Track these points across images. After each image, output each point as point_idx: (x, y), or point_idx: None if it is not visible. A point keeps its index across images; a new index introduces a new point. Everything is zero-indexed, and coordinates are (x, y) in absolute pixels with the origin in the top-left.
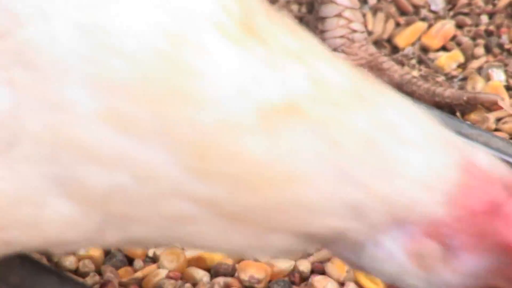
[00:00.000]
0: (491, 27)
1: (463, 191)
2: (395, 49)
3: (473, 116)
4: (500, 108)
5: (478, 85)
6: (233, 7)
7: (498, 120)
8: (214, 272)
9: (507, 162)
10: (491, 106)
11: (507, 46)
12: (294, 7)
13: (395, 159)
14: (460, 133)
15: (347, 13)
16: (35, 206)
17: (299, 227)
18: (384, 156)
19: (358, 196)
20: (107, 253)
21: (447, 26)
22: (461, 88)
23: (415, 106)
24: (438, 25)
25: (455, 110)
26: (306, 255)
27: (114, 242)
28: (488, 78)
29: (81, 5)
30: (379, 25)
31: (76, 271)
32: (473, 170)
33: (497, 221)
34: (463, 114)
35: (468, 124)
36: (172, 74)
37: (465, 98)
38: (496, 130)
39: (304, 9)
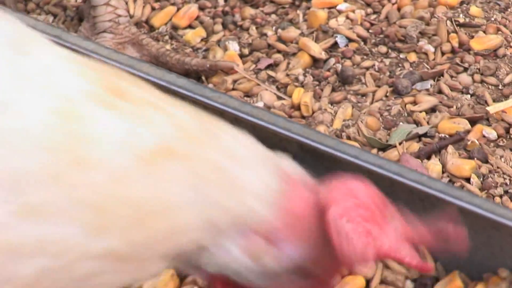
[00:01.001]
0: (227, 8)
1: (282, 196)
2: (152, 28)
3: (215, 79)
4: (235, 72)
5: (218, 54)
6: (90, 74)
7: (235, 81)
8: None
9: (241, 118)
10: (229, 71)
11: (239, 23)
12: None
13: (235, 177)
14: (203, 96)
15: (113, 2)
16: None
17: (171, 248)
18: (228, 176)
19: (213, 212)
20: None
21: (192, 9)
22: (205, 57)
23: (242, 133)
24: (185, 8)
25: (201, 75)
26: None
27: None
28: (225, 49)
29: None
30: (139, 10)
31: None
32: (285, 177)
33: (306, 215)
34: (207, 78)
35: (209, 88)
36: (64, 145)
37: (208, 65)
38: (233, 89)
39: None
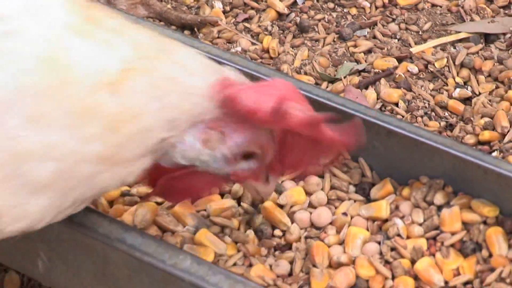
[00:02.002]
0: None
1: (225, 95)
2: None
3: (204, 30)
4: (219, 24)
5: (206, 11)
6: (73, 7)
7: (219, 31)
8: None
9: (222, 63)
10: (215, 24)
11: None
12: None
13: (188, 85)
14: (192, 46)
15: None
16: (20, 206)
17: (146, 147)
18: (182, 85)
19: (174, 114)
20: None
21: None
22: (197, 14)
23: (191, 48)
24: None
25: (194, 27)
26: None
27: (70, 207)
28: (212, 7)
29: None
30: None
31: None
32: (227, 81)
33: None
34: (198, 29)
35: (198, 40)
36: (59, 74)
37: (199, 20)
38: (218, 38)
39: None
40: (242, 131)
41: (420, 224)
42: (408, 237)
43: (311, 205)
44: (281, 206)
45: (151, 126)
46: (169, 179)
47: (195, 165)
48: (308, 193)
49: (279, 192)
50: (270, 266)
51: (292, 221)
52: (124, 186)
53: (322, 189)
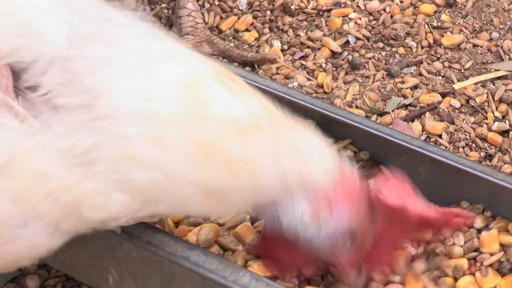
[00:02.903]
0: (272, 17)
1: (339, 175)
2: (220, 31)
3: (264, 67)
4: (278, 62)
5: (266, 49)
6: (215, 66)
7: (278, 68)
8: None
9: (279, 96)
10: (274, 61)
11: (281, 27)
12: (165, 11)
13: (307, 156)
14: (253, 80)
15: (193, 13)
16: (105, 197)
17: (253, 201)
18: (304, 157)
19: (288, 178)
20: None
21: (248, 18)
22: (257, 52)
23: (309, 128)
24: (243, 17)
25: (254, 64)
26: None
27: (144, 216)
28: (271, 46)
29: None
30: (211, 18)
31: None
32: (342, 165)
33: (355, 193)
34: (258, 66)
35: (258, 75)
36: (194, 106)
37: (259, 57)
38: (277, 74)
39: (170, 11)
40: (347, 209)
41: (461, 246)
42: (450, 258)
43: None
44: None
45: (264, 181)
46: (273, 247)
47: (298, 235)
48: None
49: None
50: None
51: None
52: None
53: None
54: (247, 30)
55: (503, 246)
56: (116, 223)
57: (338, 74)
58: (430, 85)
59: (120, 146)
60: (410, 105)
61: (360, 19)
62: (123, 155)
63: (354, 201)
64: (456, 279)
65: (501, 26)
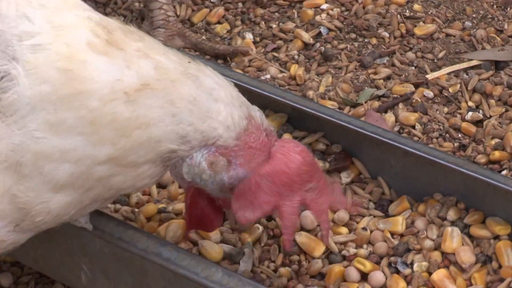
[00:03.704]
0: (244, 9)
1: (246, 133)
2: (192, 24)
3: (236, 59)
4: (250, 54)
5: (238, 42)
6: (99, 31)
7: (250, 60)
8: None
9: (250, 90)
10: (246, 53)
11: (253, 19)
12: (136, 4)
13: (211, 109)
14: (224, 74)
15: (164, 6)
16: (45, 204)
17: (155, 154)
18: (204, 107)
19: (187, 131)
20: None
21: (219, 10)
22: (229, 44)
23: (221, 76)
24: (215, 9)
25: (227, 57)
26: None
27: (91, 204)
28: (243, 38)
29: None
30: (183, 11)
31: None
32: (252, 121)
33: (258, 152)
34: (231, 59)
35: (228, 69)
36: (71, 82)
37: (231, 50)
38: (249, 66)
39: (142, 5)
40: (245, 167)
41: (433, 240)
42: (421, 249)
43: (334, 223)
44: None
45: (162, 137)
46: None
47: (195, 181)
48: (331, 210)
49: None
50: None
51: None
52: (161, 204)
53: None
54: (219, 22)
55: (477, 240)
56: (70, 218)
57: (311, 65)
58: (403, 75)
59: (32, 145)
60: (383, 96)
61: (332, 10)
62: (37, 154)
63: (254, 151)
64: (430, 273)
65: (474, 15)
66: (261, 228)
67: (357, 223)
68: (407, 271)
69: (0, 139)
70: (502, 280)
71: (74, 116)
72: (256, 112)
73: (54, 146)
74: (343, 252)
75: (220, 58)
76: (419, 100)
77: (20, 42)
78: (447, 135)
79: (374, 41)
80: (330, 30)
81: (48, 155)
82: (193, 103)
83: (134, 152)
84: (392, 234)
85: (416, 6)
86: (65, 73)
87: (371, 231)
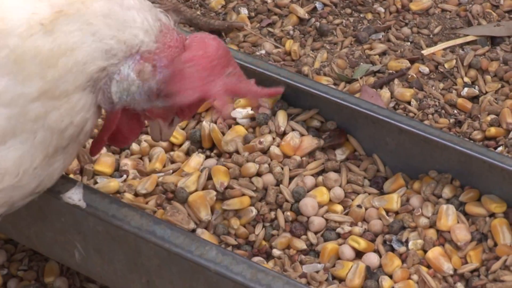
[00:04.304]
0: None
1: (162, 34)
2: None
3: (231, 35)
4: (245, 29)
5: (233, 17)
6: None
7: (245, 36)
8: None
9: (245, 66)
10: (241, 29)
11: None
12: None
13: (127, 19)
14: None
15: None
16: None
17: (85, 77)
18: (120, 18)
19: (111, 45)
20: None
21: None
22: (224, 19)
23: None
24: None
25: (221, 32)
26: None
27: (46, 158)
28: (238, 13)
29: None
30: None
31: None
32: (163, 22)
33: (175, 50)
34: (226, 34)
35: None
36: None
37: (226, 25)
38: (244, 42)
39: None
40: (168, 67)
41: (428, 217)
42: (416, 227)
43: (330, 201)
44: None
45: (88, 57)
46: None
47: (122, 100)
48: (327, 187)
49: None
50: None
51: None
52: None
53: (340, 185)
54: None
55: (472, 217)
56: (28, 179)
57: (306, 41)
58: (399, 51)
59: None
60: (378, 71)
61: None
62: None
63: (173, 49)
64: (425, 251)
65: None
66: (254, 211)
67: (352, 200)
68: (402, 249)
69: None
70: (497, 258)
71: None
72: (161, 14)
73: None
74: (338, 229)
75: (215, 33)
76: (415, 76)
77: None
78: (443, 111)
79: (369, 16)
80: (325, 5)
81: None
82: (109, 17)
83: (64, 80)
84: (387, 211)
85: None
86: None
87: (366, 209)
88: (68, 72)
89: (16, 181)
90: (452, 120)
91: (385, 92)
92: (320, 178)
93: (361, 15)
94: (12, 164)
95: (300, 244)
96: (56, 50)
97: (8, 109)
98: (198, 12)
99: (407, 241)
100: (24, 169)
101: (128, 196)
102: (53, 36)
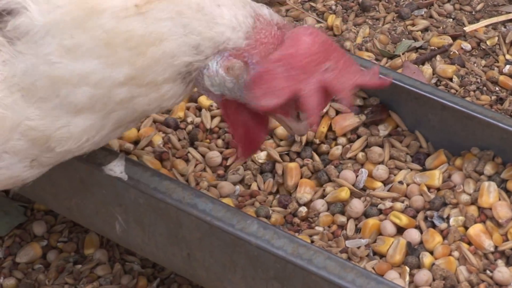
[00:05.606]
0: None
1: (255, 30)
2: None
3: (274, 9)
4: (287, 4)
5: None
6: None
7: (287, 10)
8: None
9: None
10: (283, 3)
11: None
12: None
13: (215, 15)
14: None
15: None
16: (66, 129)
17: (173, 70)
18: (209, 14)
19: (197, 40)
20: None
21: None
22: None
23: None
24: None
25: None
26: None
27: (114, 129)
28: None
29: None
30: None
31: None
32: (260, 18)
33: (271, 45)
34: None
35: None
36: (84, 4)
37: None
38: (287, 16)
39: None
40: (265, 63)
41: (470, 194)
42: (457, 204)
43: (373, 177)
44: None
45: (176, 50)
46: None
47: (225, 93)
48: (371, 162)
49: None
50: None
51: None
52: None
53: (382, 162)
54: None
55: None
56: (95, 145)
57: (348, 16)
58: (441, 27)
59: (47, 69)
60: (420, 47)
61: None
62: (53, 78)
63: (268, 46)
64: (466, 228)
65: None
66: None
67: (395, 175)
68: (443, 225)
69: (11, 63)
70: None
71: (89, 38)
72: (264, 10)
73: (71, 70)
74: (379, 205)
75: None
76: (457, 52)
77: None
78: (484, 88)
79: None
80: None
81: (65, 79)
82: (199, 11)
83: (152, 70)
84: (429, 188)
85: None
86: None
87: (408, 185)
88: (156, 62)
89: (76, 147)
90: (493, 97)
91: (427, 69)
92: (362, 154)
93: None
94: (80, 130)
95: (342, 219)
96: (147, 38)
97: (94, 89)
98: None
99: (448, 218)
100: (88, 137)
101: None
102: (146, 21)
